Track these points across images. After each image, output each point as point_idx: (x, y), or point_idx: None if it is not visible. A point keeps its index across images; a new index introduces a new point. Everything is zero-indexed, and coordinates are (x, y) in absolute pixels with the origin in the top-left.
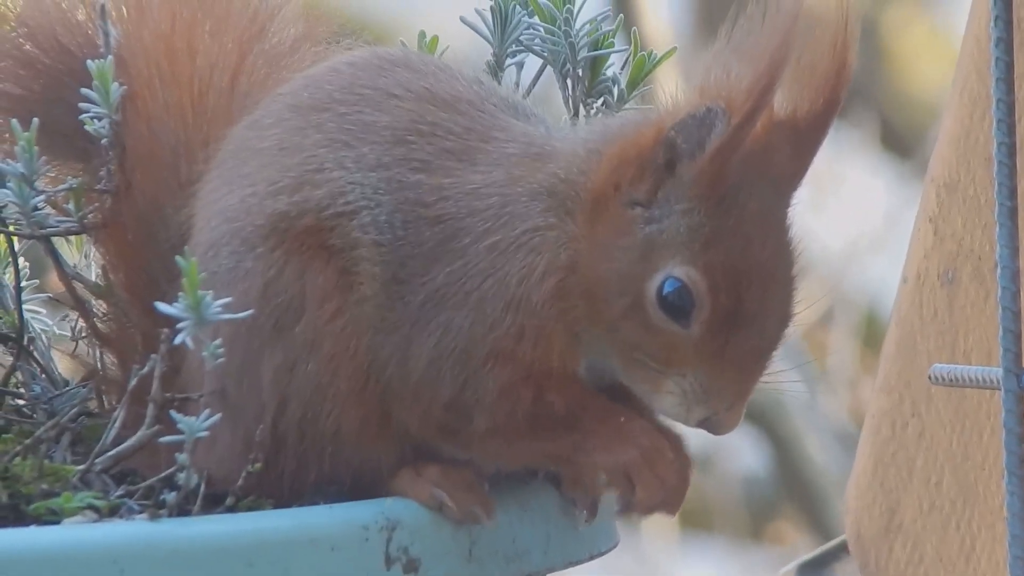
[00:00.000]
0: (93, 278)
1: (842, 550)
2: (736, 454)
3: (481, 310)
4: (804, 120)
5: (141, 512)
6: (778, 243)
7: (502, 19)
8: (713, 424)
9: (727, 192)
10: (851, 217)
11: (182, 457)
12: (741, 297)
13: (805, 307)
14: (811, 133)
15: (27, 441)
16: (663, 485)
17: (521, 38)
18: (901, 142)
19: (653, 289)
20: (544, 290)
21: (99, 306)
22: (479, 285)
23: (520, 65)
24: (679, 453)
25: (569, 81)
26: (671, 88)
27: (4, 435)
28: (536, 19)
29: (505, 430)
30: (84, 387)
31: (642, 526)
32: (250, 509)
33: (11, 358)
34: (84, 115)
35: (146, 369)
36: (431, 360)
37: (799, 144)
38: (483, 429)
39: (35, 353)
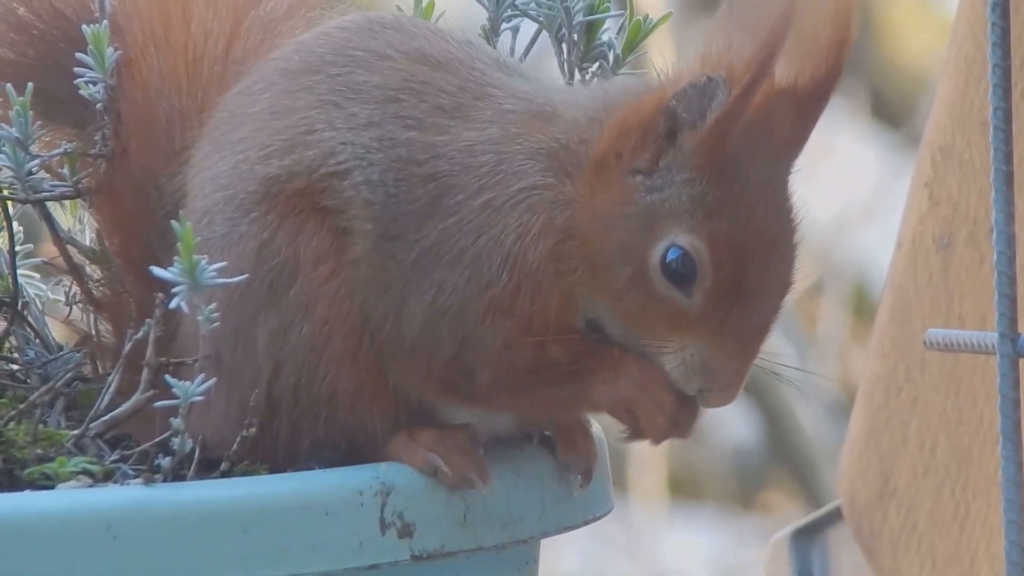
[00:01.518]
0: (87, 243)
1: (836, 516)
2: (726, 423)
3: (476, 267)
4: (805, 89)
5: (136, 477)
6: (780, 213)
7: None
8: (708, 396)
9: (729, 162)
10: (841, 187)
11: (177, 422)
12: (744, 268)
13: (800, 277)
14: (812, 102)
15: (21, 406)
16: (662, 409)
17: (517, 3)
18: (891, 112)
19: (656, 257)
20: (540, 250)
21: (93, 271)
22: (473, 242)
23: (515, 30)
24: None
25: (564, 46)
26: (667, 54)
27: None
28: None
29: (508, 381)
30: (78, 352)
31: (631, 494)
32: (245, 474)
33: (5, 323)
34: (79, 80)
35: (141, 334)
36: (427, 319)
37: (800, 113)
38: (486, 382)
39: (29, 318)
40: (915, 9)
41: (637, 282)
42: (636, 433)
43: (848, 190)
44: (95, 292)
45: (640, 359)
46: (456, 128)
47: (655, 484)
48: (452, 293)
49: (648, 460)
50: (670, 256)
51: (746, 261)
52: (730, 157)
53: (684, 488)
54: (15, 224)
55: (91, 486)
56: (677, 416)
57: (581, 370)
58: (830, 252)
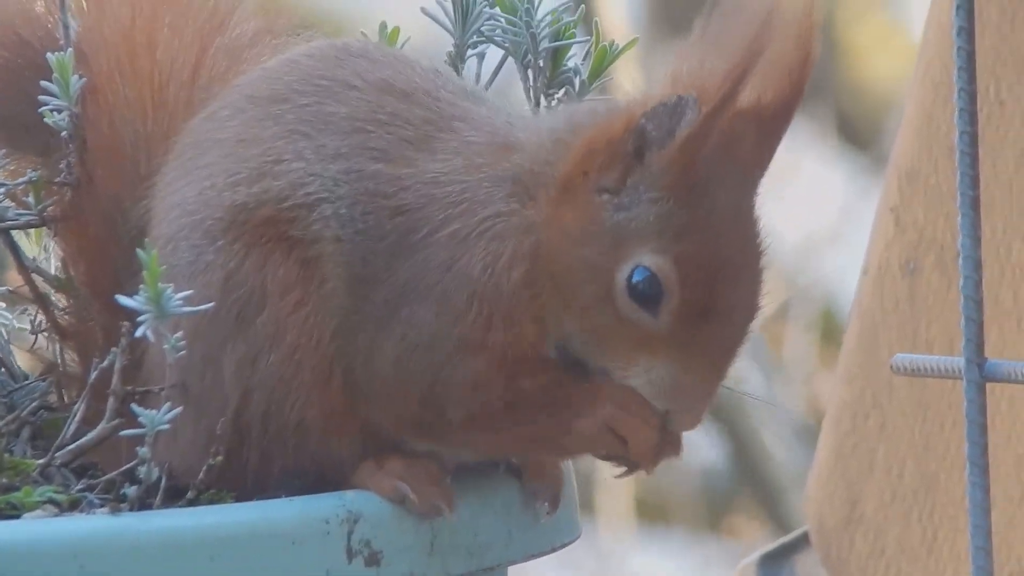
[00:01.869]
0: (53, 272)
1: (803, 542)
2: (694, 448)
3: (445, 302)
4: (768, 109)
5: (102, 506)
6: (747, 234)
7: (463, 10)
8: (675, 420)
9: (697, 182)
10: (807, 210)
11: (143, 451)
12: (711, 289)
13: (768, 301)
14: (775, 122)
15: None
16: (648, 426)
17: (482, 29)
18: (858, 134)
19: (623, 277)
20: (512, 279)
21: (59, 300)
22: (441, 277)
23: (481, 56)
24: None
25: (530, 72)
26: (634, 80)
27: None
28: (497, 10)
29: (481, 419)
30: (44, 381)
31: (599, 519)
32: (212, 502)
33: None
34: (44, 108)
35: (106, 362)
36: (398, 357)
37: (764, 133)
38: (458, 421)
39: None
40: (882, 32)
41: (603, 302)
42: (629, 462)
43: (814, 213)
44: (61, 321)
45: (618, 385)
46: (422, 160)
47: (622, 508)
48: (422, 330)
49: (615, 485)
50: (636, 277)
51: (713, 282)
52: (698, 177)
53: (652, 512)
54: None
55: (57, 515)
56: (665, 433)
57: (557, 401)
58: (796, 275)
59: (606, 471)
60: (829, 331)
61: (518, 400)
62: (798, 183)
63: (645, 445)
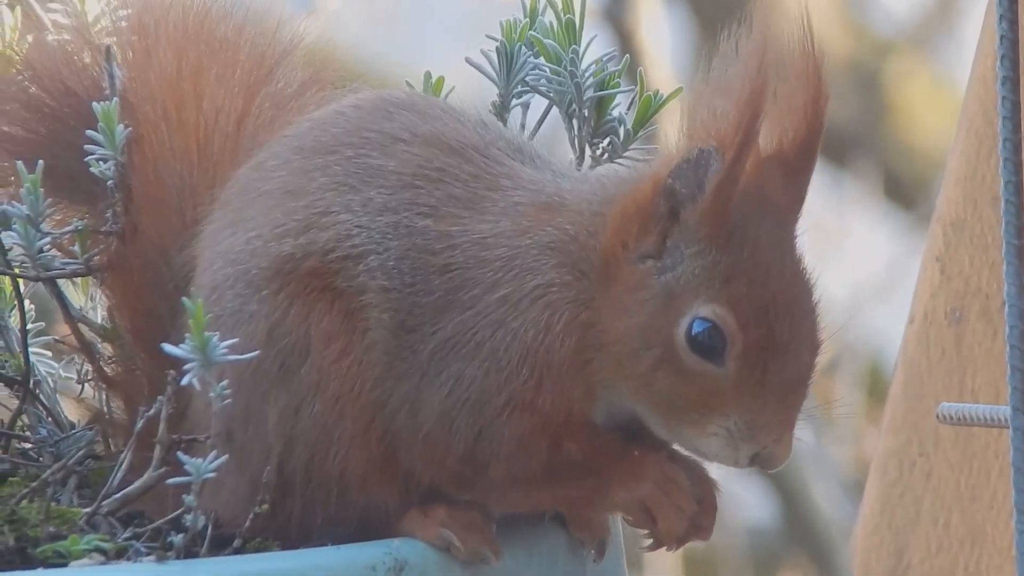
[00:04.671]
0: (99, 321)
1: None
2: (742, 505)
3: (494, 361)
4: (791, 151)
5: (148, 554)
6: (795, 271)
7: (508, 60)
8: (764, 459)
9: (734, 228)
10: (855, 268)
11: (189, 499)
12: (770, 326)
13: (827, 336)
14: (800, 162)
15: (33, 484)
16: (682, 513)
17: (527, 79)
18: (904, 193)
19: (682, 334)
20: (566, 347)
21: (105, 349)
22: (491, 335)
23: (526, 106)
24: (700, 479)
25: (575, 121)
26: (678, 130)
27: (11, 478)
28: (542, 60)
29: (521, 479)
30: (90, 430)
31: (647, 574)
32: (257, 551)
33: (17, 401)
34: (89, 157)
35: (152, 411)
36: (443, 411)
37: (791, 175)
38: (499, 479)
39: (41, 396)
40: (928, 91)
41: (665, 364)
42: (655, 537)
43: (862, 271)
44: (107, 370)
45: (662, 459)
46: (470, 219)
47: (671, 565)
48: (469, 386)
49: None
50: (696, 329)
51: (771, 318)
52: (735, 223)
53: (700, 569)
54: (26, 302)
55: (104, 563)
56: (698, 519)
57: (599, 469)
58: (844, 332)
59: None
60: (876, 387)
61: (560, 463)
62: (846, 241)
63: (673, 530)
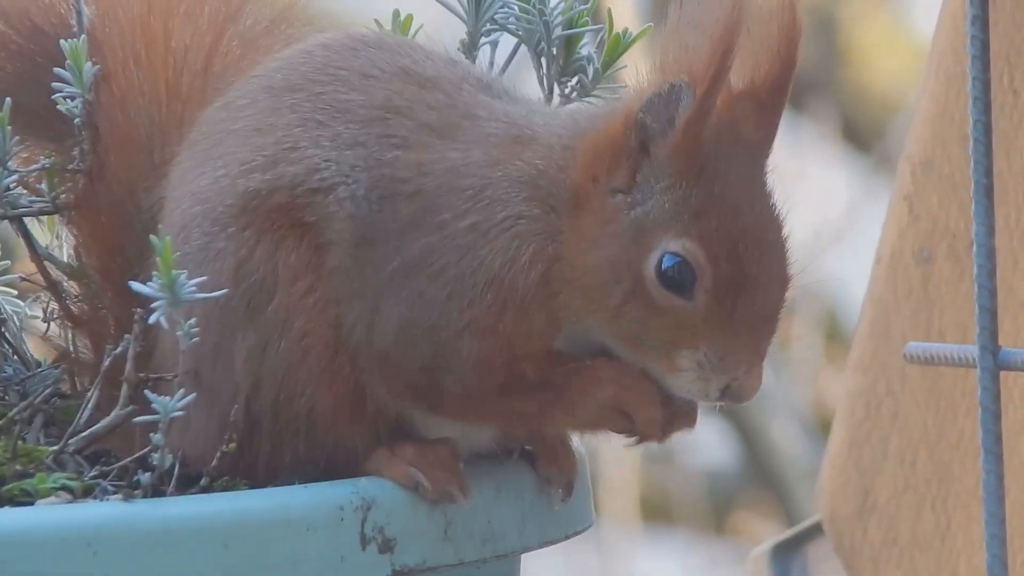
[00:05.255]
0: (65, 259)
1: (815, 531)
2: (698, 446)
3: (459, 284)
4: (763, 87)
5: (115, 493)
6: (764, 207)
7: None
8: (735, 391)
9: (705, 163)
10: (812, 210)
11: (156, 437)
12: (740, 261)
13: (800, 272)
14: (772, 99)
15: (0, 422)
16: (653, 401)
17: (496, 17)
18: (861, 136)
19: (652, 268)
20: (531, 278)
21: (71, 287)
22: (457, 260)
23: (494, 44)
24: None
25: (544, 60)
26: (646, 69)
27: None
28: None
29: (475, 393)
30: (56, 368)
31: (604, 519)
32: (225, 490)
33: None
34: (57, 95)
35: (120, 349)
36: (402, 327)
37: (763, 111)
38: (453, 391)
39: (7, 335)
40: (885, 33)
41: (634, 298)
42: (638, 432)
43: (819, 213)
44: (73, 308)
45: (617, 363)
46: (442, 147)
47: (627, 509)
48: (431, 305)
49: (620, 483)
50: (665, 264)
51: (741, 254)
52: (705, 158)
53: (656, 512)
54: None
55: (71, 502)
56: (672, 406)
57: (552, 383)
58: (802, 275)
59: (612, 468)
60: (834, 330)
61: (514, 382)
62: (803, 184)
63: (650, 419)
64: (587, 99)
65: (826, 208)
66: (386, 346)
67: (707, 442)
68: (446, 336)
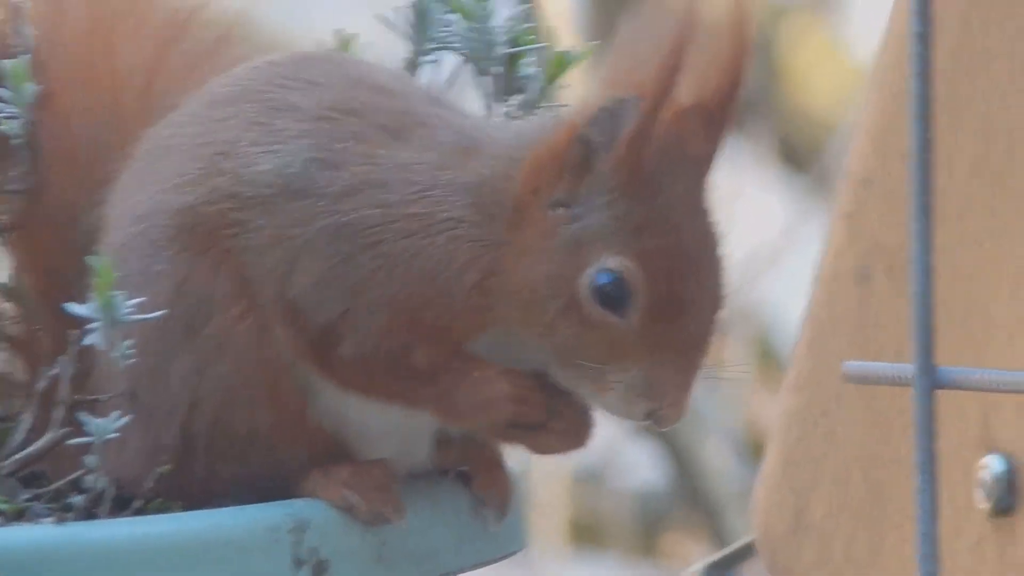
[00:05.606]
0: (2, 280)
1: (749, 551)
2: (631, 468)
3: (389, 262)
4: (711, 102)
5: (48, 516)
6: (704, 227)
7: (420, 16)
8: (660, 416)
9: (648, 179)
10: (748, 231)
11: (91, 460)
12: (676, 282)
13: (736, 294)
14: (719, 115)
15: None
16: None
17: (439, 35)
18: (798, 157)
19: (587, 284)
20: (463, 282)
21: (8, 308)
22: (394, 240)
23: (437, 63)
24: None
25: (487, 78)
26: (588, 85)
27: None
28: (454, 16)
29: (368, 365)
30: None
31: (532, 541)
32: (159, 512)
33: None
34: None
35: (55, 370)
36: (319, 281)
37: (709, 128)
38: (347, 358)
39: None
40: (821, 53)
41: (569, 313)
42: (537, 446)
43: (755, 234)
44: (9, 329)
45: (508, 370)
46: (395, 146)
47: (556, 530)
48: (354, 271)
49: (550, 504)
50: (601, 280)
51: (677, 274)
52: (648, 174)
53: (586, 534)
54: None
55: (3, 525)
56: (566, 421)
57: (440, 383)
58: (736, 296)
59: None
60: (767, 352)
61: (406, 366)
62: (739, 205)
63: (547, 440)
64: (529, 117)
65: (762, 229)
66: (297, 296)
67: (638, 463)
68: (361, 303)
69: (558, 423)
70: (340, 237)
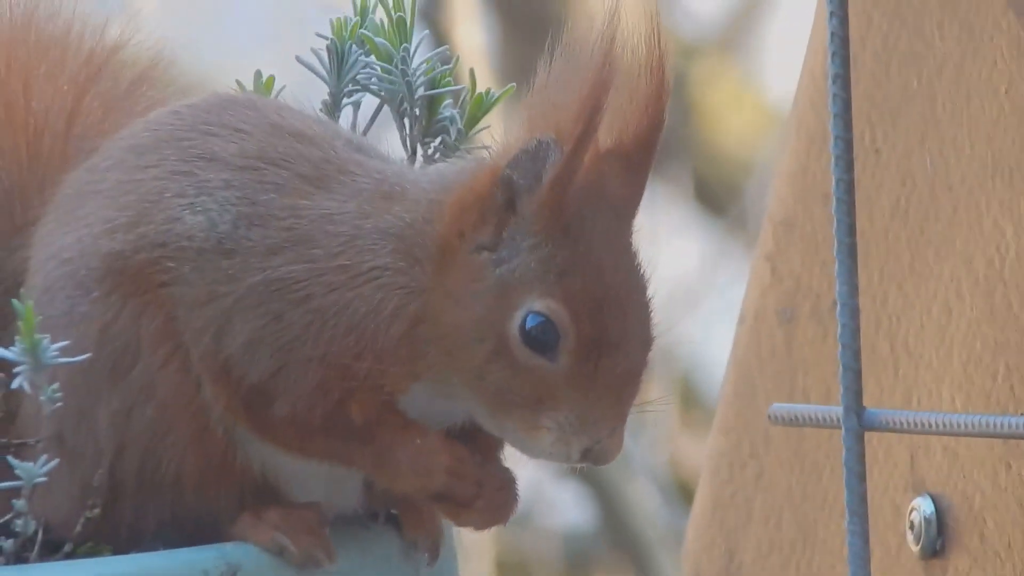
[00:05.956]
0: None
1: None
2: (556, 509)
3: (320, 317)
4: (631, 145)
5: None
6: (629, 267)
7: (339, 59)
8: (596, 454)
9: (571, 221)
10: (666, 272)
11: (20, 503)
12: (603, 322)
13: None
14: (640, 157)
15: None
16: (479, 494)
17: (358, 77)
18: (714, 197)
19: (515, 327)
20: (391, 331)
21: None
22: (323, 294)
23: (357, 104)
24: (491, 463)
25: (407, 120)
26: (506, 128)
27: None
28: (373, 58)
29: (301, 423)
30: None
31: None
32: (89, 555)
33: None
34: None
35: None
36: (251, 341)
37: (630, 170)
38: (281, 416)
39: None
40: (734, 93)
41: (498, 357)
42: (457, 520)
43: (673, 275)
44: None
45: (448, 443)
46: (318, 196)
47: (484, 570)
48: (286, 329)
49: (475, 546)
50: (529, 323)
51: (605, 314)
52: (572, 216)
53: (513, 573)
54: None
55: None
56: (491, 499)
57: (376, 442)
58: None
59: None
60: (688, 393)
61: (339, 419)
62: (656, 246)
63: (471, 514)
64: (450, 159)
65: (679, 270)
66: (230, 355)
67: (564, 503)
68: (293, 360)
69: (483, 501)
70: (270, 294)
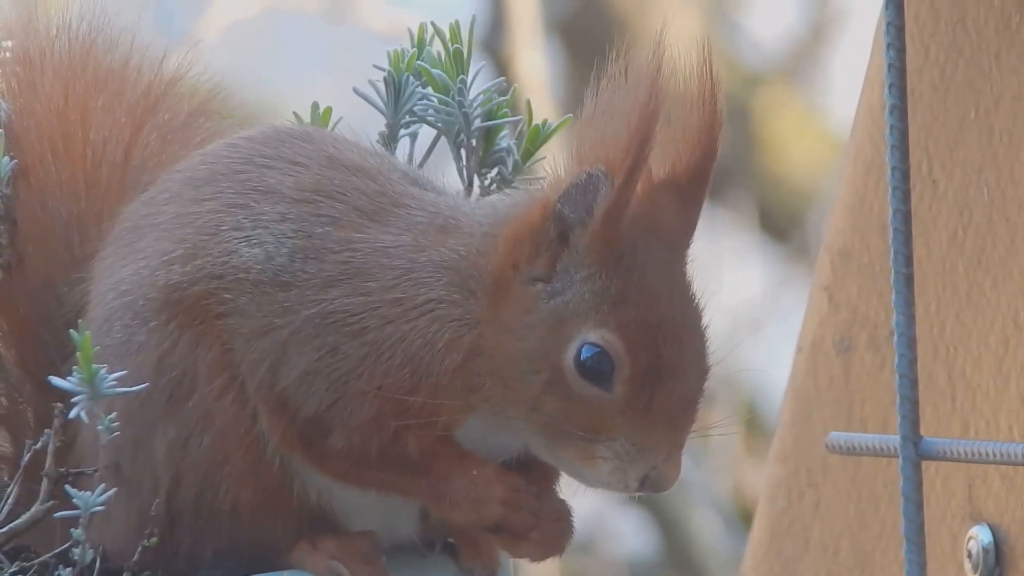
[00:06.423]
0: None
1: None
2: (619, 537)
3: (375, 350)
4: (684, 174)
5: None
6: (683, 295)
7: (396, 90)
8: (653, 480)
9: (624, 252)
10: (730, 300)
11: (77, 532)
12: (658, 350)
13: (722, 361)
14: (693, 186)
15: None
16: (533, 525)
17: (415, 109)
18: (777, 224)
19: (570, 358)
20: (446, 364)
21: None
22: (378, 327)
23: (414, 136)
24: (547, 495)
25: (463, 151)
26: (561, 159)
27: None
28: (430, 90)
29: (357, 455)
30: None
31: None
32: None
33: None
34: None
35: (40, 444)
36: (307, 373)
37: (684, 200)
38: (336, 448)
39: None
40: (797, 122)
41: (553, 388)
42: (513, 551)
43: (737, 303)
44: None
45: (503, 472)
46: (373, 229)
47: None
48: (342, 361)
49: (540, 573)
50: (584, 354)
51: (659, 343)
52: (625, 247)
53: None
54: None
55: None
56: (548, 530)
57: (432, 474)
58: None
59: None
60: (752, 418)
61: (395, 451)
62: (720, 273)
63: (526, 545)
64: (505, 191)
65: (743, 297)
66: (286, 387)
67: (627, 531)
68: (350, 392)
69: (538, 533)
70: (326, 327)
